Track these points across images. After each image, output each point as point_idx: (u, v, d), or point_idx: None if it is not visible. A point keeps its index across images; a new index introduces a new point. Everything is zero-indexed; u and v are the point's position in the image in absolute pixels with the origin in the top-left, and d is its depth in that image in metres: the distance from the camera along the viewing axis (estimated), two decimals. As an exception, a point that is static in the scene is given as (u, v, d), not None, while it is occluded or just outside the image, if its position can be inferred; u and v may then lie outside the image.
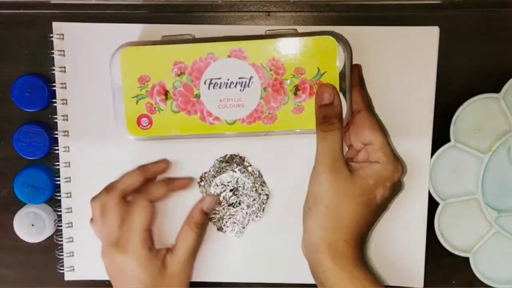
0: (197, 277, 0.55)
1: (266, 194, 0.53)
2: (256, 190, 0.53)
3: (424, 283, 0.54)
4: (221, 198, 0.54)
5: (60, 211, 0.54)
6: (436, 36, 0.51)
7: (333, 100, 0.47)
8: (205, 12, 0.52)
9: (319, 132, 0.47)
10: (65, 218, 0.54)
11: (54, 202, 0.54)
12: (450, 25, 0.52)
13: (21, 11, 0.53)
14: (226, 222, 0.54)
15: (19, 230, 0.54)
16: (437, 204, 0.52)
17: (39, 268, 0.56)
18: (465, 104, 0.51)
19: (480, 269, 0.53)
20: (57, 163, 0.54)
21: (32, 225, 0.54)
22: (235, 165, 0.53)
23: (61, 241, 0.54)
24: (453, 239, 0.53)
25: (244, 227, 0.54)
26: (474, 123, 0.51)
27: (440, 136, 0.52)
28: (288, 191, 0.54)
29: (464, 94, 0.51)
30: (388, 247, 0.54)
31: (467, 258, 0.53)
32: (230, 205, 0.54)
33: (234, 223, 0.54)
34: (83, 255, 0.55)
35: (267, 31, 0.49)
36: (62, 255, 0.55)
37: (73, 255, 0.55)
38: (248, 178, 0.53)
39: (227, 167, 0.53)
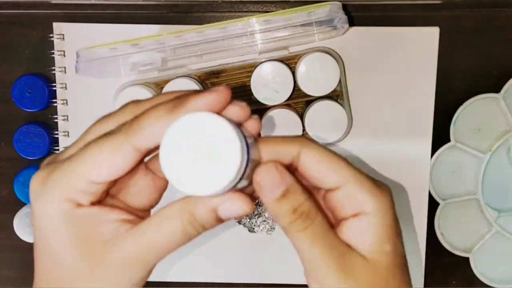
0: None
1: None
2: None
3: (424, 283, 0.54)
4: None
5: (60, 211, 0.54)
6: (437, 37, 0.51)
7: (287, 185, 0.30)
8: (205, 12, 0.52)
9: (296, 233, 0.30)
10: (65, 218, 0.54)
11: (54, 202, 0.54)
12: (451, 25, 0.52)
13: (21, 11, 0.53)
14: (256, 221, 0.54)
15: (19, 230, 0.54)
16: (437, 204, 0.52)
17: (39, 268, 0.56)
18: (465, 104, 0.51)
19: (480, 269, 0.53)
20: (57, 163, 0.53)
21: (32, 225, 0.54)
22: None
23: (61, 241, 0.54)
24: (453, 239, 0.53)
25: (274, 223, 0.54)
26: (474, 123, 0.51)
27: (440, 136, 0.52)
28: None
29: (464, 94, 0.51)
30: (388, 247, 0.54)
31: (467, 258, 0.53)
32: (256, 204, 0.54)
33: (264, 221, 0.54)
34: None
35: (260, 54, 0.49)
36: (62, 255, 0.55)
37: (73, 255, 0.55)
38: None
39: None
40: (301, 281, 0.55)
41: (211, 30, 0.47)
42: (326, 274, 0.30)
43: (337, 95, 0.51)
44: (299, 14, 0.46)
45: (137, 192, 0.33)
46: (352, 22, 0.51)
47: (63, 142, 0.53)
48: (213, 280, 0.55)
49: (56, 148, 0.53)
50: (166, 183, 0.33)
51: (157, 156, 0.30)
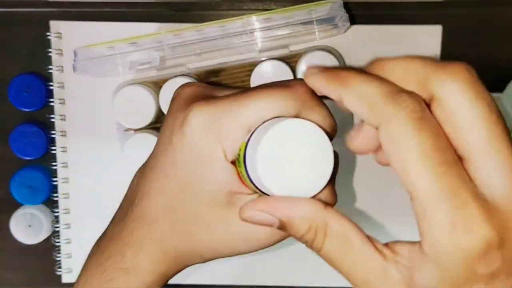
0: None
1: None
2: None
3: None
4: None
5: (58, 212, 0.54)
6: (439, 35, 0.51)
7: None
8: (204, 10, 0.52)
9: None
10: (63, 219, 0.54)
11: (51, 202, 0.54)
12: (453, 23, 0.51)
13: (18, 9, 0.52)
14: None
15: (16, 232, 0.54)
16: (439, 205, 0.52)
17: (36, 270, 0.55)
18: (468, 103, 0.50)
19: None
20: (54, 164, 0.53)
21: (29, 226, 0.53)
22: None
23: (59, 242, 0.54)
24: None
25: None
26: (477, 123, 0.51)
27: (443, 136, 0.51)
28: None
29: (467, 94, 0.51)
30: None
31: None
32: None
33: None
34: (81, 257, 0.54)
35: (260, 53, 0.48)
36: (60, 257, 0.54)
37: (70, 256, 0.54)
38: None
39: None
40: (302, 282, 0.55)
41: (210, 29, 0.47)
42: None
43: None
44: (300, 12, 0.46)
45: None
46: (353, 20, 0.50)
47: (60, 142, 0.53)
48: (212, 282, 0.55)
49: (53, 148, 0.53)
50: None
51: None
